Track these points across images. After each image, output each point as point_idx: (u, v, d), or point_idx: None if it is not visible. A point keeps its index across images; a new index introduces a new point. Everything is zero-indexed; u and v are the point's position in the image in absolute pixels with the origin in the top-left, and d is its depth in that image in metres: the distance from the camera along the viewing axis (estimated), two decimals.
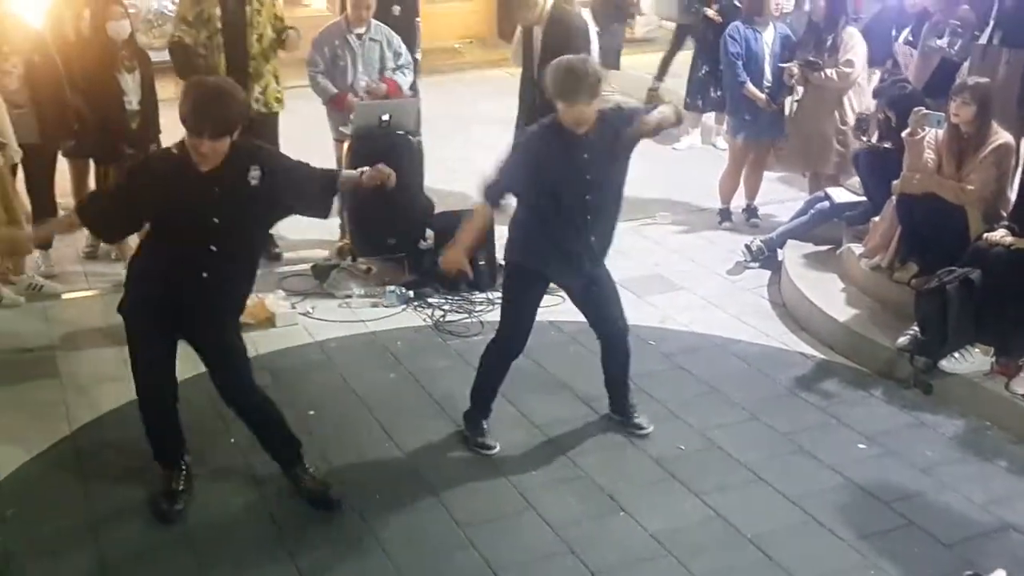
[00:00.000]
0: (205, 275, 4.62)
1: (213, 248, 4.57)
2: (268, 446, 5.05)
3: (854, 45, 8.09)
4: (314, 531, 4.82)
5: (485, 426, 5.56)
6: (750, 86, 8.23)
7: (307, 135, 8.05)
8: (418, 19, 8.74)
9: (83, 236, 8.18)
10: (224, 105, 4.41)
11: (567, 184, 5.08)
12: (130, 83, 7.10)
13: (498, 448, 5.47)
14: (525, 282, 5.39)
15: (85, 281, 7.72)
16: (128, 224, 4.98)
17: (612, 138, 5.09)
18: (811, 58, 8.14)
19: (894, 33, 8.59)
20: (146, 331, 4.82)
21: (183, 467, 5.06)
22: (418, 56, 8.73)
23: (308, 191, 4.79)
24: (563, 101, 4.98)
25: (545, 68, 7.05)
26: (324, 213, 4.99)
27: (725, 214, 8.76)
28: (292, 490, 5.01)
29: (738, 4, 9.33)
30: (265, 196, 4.60)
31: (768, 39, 8.34)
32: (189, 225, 4.54)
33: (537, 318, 6.98)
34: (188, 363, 5.05)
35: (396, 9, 8.30)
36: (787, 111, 8.54)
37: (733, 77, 8.34)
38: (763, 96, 8.23)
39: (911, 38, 8.27)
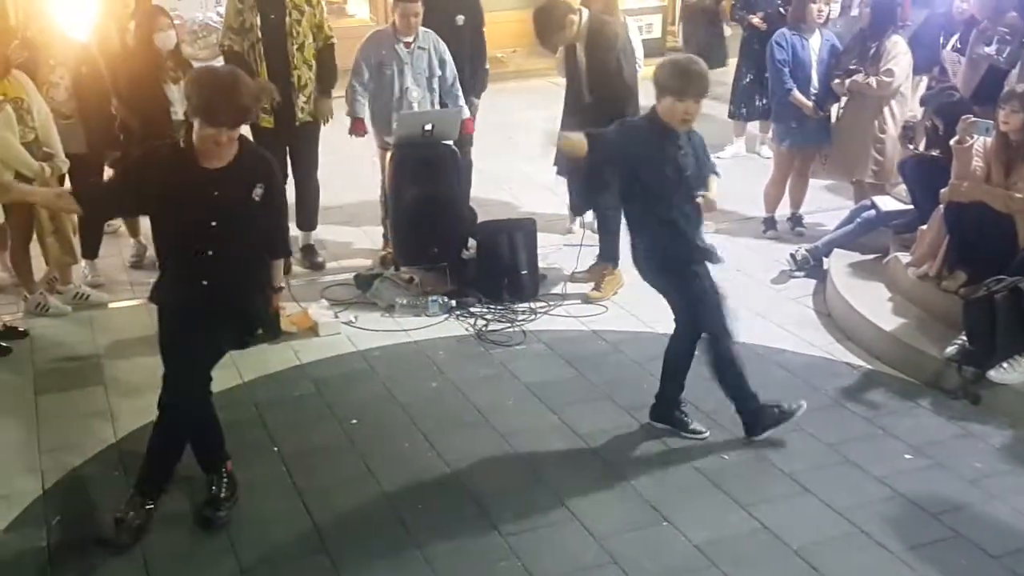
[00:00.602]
0: (205, 283, 4.64)
1: (210, 252, 4.58)
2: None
3: (897, 54, 8.03)
4: (356, 540, 4.84)
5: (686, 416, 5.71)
6: (797, 93, 8.19)
7: (352, 143, 8.11)
8: (483, 29, 8.77)
9: (129, 246, 8.31)
10: (240, 93, 4.37)
11: (670, 179, 5.25)
12: (175, 93, 7.18)
13: (708, 433, 5.64)
14: (690, 274, 5.49)
15: (130, 290, 7.79)
16: (116, 205, 5.21)
17: (700, 149, 5.44)
18: (852, 66, 8.12)
19: (941, 40, 8.54)
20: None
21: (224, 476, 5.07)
22: (487, 67, 8.77)
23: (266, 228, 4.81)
24: (679, 97, 5.17)
25: (596, 85, 7.12)
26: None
27: (770, 223, 8.72)
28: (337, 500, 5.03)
29: (783, 11, 9.31)
30: (261, 210, 4.67)
31: (815, 46, 8.30)
32: (187, 226, 4.56)
33: (580, 327, 7.05)
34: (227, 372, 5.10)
35: (460, 18, 8.33)
36: (833, 118, 8.49)
37: (780, 84, 8.30)
38: (809, 103, 8.19)
39: (959, 45, 8.21)
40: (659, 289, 5.66)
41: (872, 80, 8.00)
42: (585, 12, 7.17)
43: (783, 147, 8.57)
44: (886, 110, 8.14)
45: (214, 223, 4.53)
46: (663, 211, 5.30)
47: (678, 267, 5.44)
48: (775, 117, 8.75)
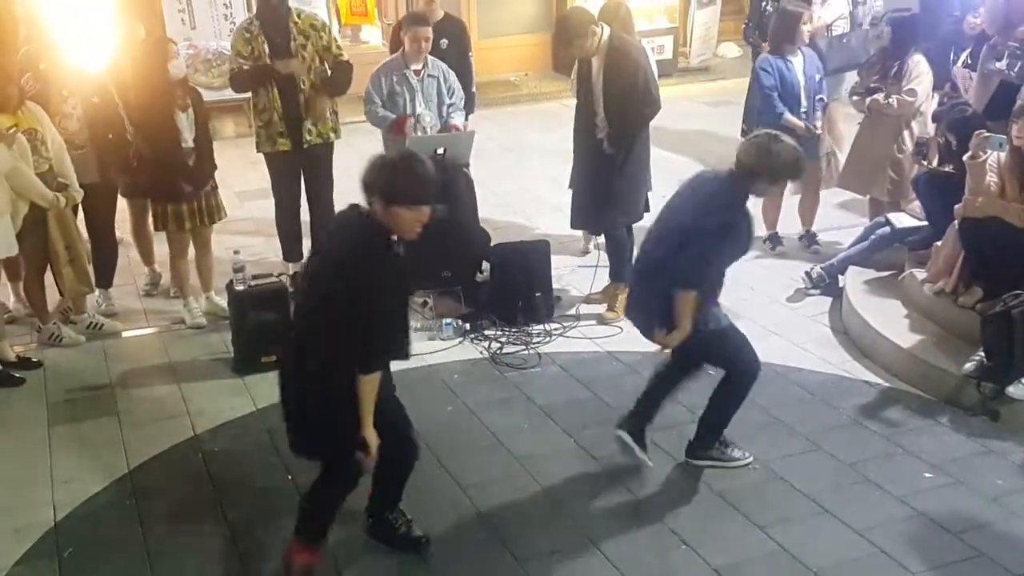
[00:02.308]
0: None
1: None
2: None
3: (919, 74, 8.00)
4: (372, 567, 4.80)
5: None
6: (789, 116, 8.10)
7: (360, 164, 8.09)
8: (471, 54, 8.83)
9: (143, 274, 8.31)
10: (432, 171, 4.44)
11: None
12: (184, 121, 7.19)
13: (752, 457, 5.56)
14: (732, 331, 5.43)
15: (145, 319, 7.80)
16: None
17: None
18: (874, 84, 8.09)
19: (952, 57, 8.50)
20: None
21: None
22: (474, 90, 8.80)
23: None
24: (773, 181, 5.19)
25: (611, 102, 7.08)
26: None
27: (775, 239, 8.68)
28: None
29: None
30: None
31: (799, 66, 8.25)
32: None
33: (595, 348, 7.02)
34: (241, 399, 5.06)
35: (444, 42, 8.39)
36: (817, 129, 8.44)
37: (771, 109, 8.23)
38: (802, 124, 8.14)
39: (969, 61, 8.17)
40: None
41: (893, 100, 7.97)
42: (607, 29, 7.12)
43: None
44: (905, 129, 8.11)
45: None
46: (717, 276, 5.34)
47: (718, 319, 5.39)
48: None
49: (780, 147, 5.07)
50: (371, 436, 4.32)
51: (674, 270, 5.03)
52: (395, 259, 4.37)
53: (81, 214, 7.55)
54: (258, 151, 7.83)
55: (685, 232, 5.04)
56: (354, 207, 4.41)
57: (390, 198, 4.24)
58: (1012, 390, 5.90)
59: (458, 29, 8.87)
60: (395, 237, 4.35)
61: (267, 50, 7.54)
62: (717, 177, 5.23)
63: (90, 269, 7.34)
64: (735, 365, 5.38)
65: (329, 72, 7.71)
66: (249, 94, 7.94)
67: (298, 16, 7.71)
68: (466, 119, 8.63)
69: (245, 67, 7.59)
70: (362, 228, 4.33)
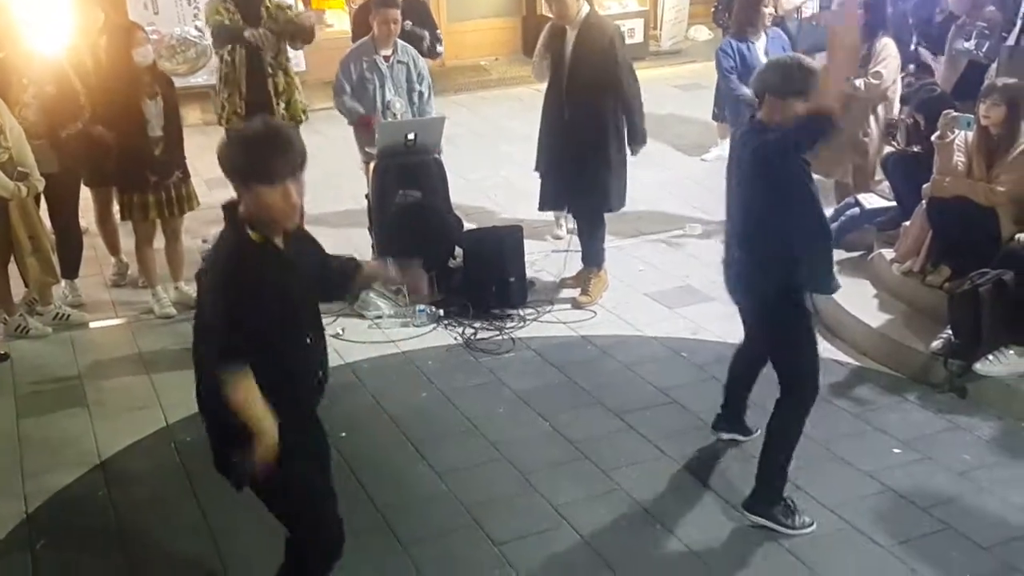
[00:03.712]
0: (321, 373, 3.93)
1: (309, 340, 3.85)
2: None
3: (886, 57, 8.10)
4: (348, 552, 4.83)
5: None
6: (747, 92, 8.20)
7: (335, 156, 8.15)
8: (438, 31, 9.02)
9: (110, 264, 8.31)
10: (291, 135, 3.63)
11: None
12: (152, 109, 7.16)
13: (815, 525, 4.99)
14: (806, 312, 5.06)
15: (112, 310, 7.82)
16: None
17: None
18: None
19: (914, 39, 8.60)
20: (315, 481, 4.02)
21: None
22: (440, 45, 9.02)
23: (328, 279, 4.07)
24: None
25: (578, 79, 7.11)
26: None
27: None
28: None
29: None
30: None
31: (761, 48, 8.35)
32: (300, 315, 3.76)
33: (569, 333, 7.10)
34: None
35: (408, 24, 8.43)
36: None
37: (730, 91, 8.35)
38: None
39: (925, 43, 8.32)
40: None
41: (861, 82, 8.09)
42: (587, 6, 7.17)
43: None
44: (871, 114, 8.23)
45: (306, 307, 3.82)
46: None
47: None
48: (731, 122, 8.78)
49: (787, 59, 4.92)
50: (262, 431, 3.51)
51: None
52: (244, 253, 3.54)
53: (45, 204, 7.54)
54: (220, 123, 7.97)
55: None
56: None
57: (245, 176, 3.49)
58: (979, 367, 6.00)
59: (423, 9, 9.08)
60: (250, 227, 3.56)
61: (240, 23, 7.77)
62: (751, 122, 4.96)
63: (55, 259, 7.31)
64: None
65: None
66: (216, 81, 8.10)
67: (268, 1, 7.91)
68: (438, 47, 8.96)
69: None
70: (225, 220, 3.64)
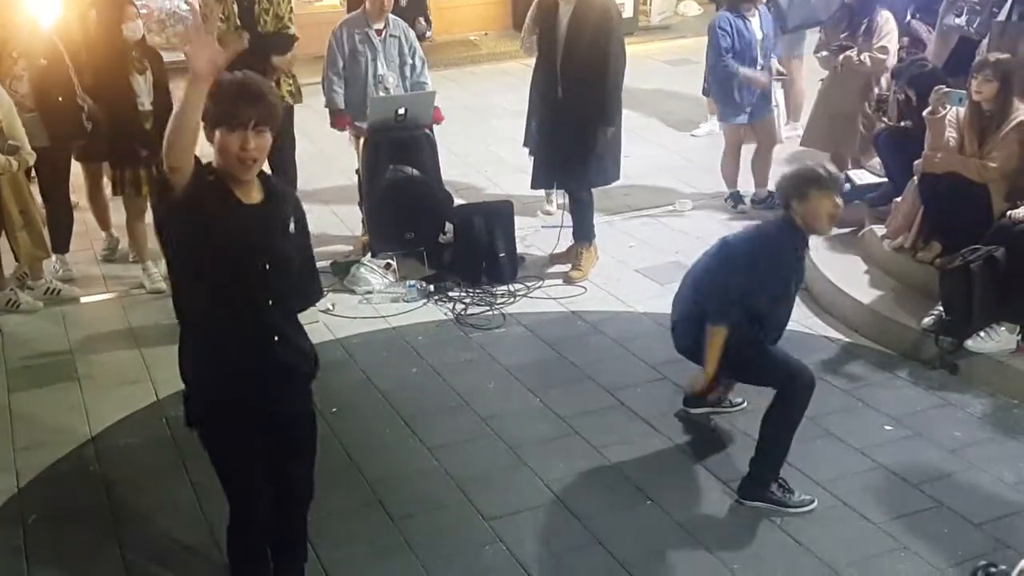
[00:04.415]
0: (276, 338, 3.77)
1: (270, 302, 3.72)
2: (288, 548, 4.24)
3: (889, 31, 8.09)
4: (339, 528, 4.83)
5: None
6: (746, 72, 8.18)
7: (325, 131, 8.09)
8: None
9: (100, 239, 8.27)
10: (264, 90, 3.60)
11: (795, 286, 5.09)
12: (142, 84, 7.13)
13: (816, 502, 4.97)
14: (762, 349, 5.06)
15: (103, 284, 7.78)
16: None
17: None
18: (843, 41, 8.17)
19: (910, 12, 8.56)
20: (238, 448, 3.87)
21: None
22: (429, 29, 8.91)
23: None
24: (827, 195, 4.83)
25: (573, 57, 7.03)
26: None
27: (736, 197, 8.73)
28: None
29: None
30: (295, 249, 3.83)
31: (756, 24, 8.31)
32: (238, 272, 3.62)
33: (559, 308, 7.07)
34: None
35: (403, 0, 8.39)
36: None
37: (724, 69, 8.28)
38: (764, 79, 8.23)
39: (918, 14, 8.28)
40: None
41: (866, 57, 8.05)
42: None
43: (734, 124, 8.57)
44: (876, 87, 8.18)
45: (267, 264, 3.66)
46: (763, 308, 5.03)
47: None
48: (720, 99, 8.70)
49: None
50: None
51: None
52: (195, 181, 3.43)
53: (36, 179, 7.49)
54: None
55: None
56: None
57: (211, 121, 3.48)
58: (970, 344, 5.98)
59: None
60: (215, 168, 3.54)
61: (236, 11, 7.60)
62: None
63: (46, 234, 7.29)
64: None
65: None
66: None
67: None
68: (427, 34, 8.90)
69: (227, 32, 7.50)
70: None
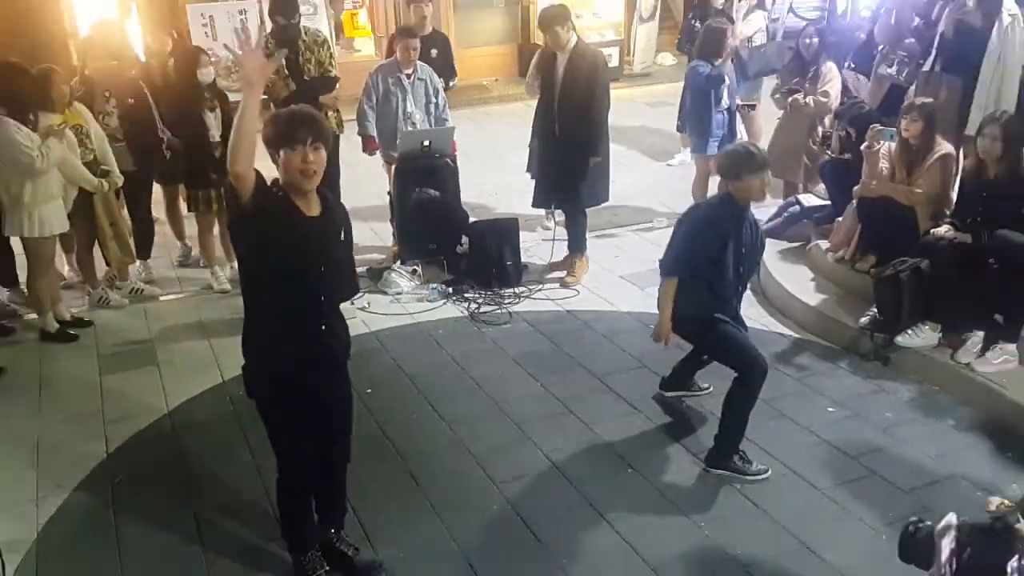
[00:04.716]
0: (324, 328, 3.76)
1: (322, 298, 3.73)
2: (329, 505, 4.26)
3: (832, 78, 8.04)
4: (373, 489, 4.80)
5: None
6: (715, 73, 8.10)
7: (363, 159, 8.08)
8: (454, 63, 8.86)
9: (176, 247, 8.26)
10: (315, 114, 3.65)
11: (735, 250, 4.87)
12: (212, 119, 7.13)
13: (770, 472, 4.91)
14: (718, 325, 4.93)
15: (178, 285, 7.76)
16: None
17: (756, 226, 5.04)
18: (794, 86, 8.14)
19: (847, 63, 8.53)
20: (288, 417, 3.85)
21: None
22: (453, 82, 8.82)
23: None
24: (755, 175, 4.73)
25: (568, 99, 7.00)
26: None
27: None
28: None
29: None
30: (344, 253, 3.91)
31: (726, 70, 8.22)
32: (299, 273, 3.61)
33: (557, 308, 7.03)
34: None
35: (434, 52, 8.37)
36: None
37: (707, 106, 8.04)
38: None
39: (853, 64, 8.24)
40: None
41: (810, 99, 8.02)
42: (575, 36, 7.04)
43: (703, 155, 8.30)
44: (819, 126, 8.14)
45: (322, 267, 3.67)
46: (712, 270, 4.89)
47: (701, 313, 4.96)
48: (696, 133, 8.41)
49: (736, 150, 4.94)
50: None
51: None
52: (269, 195, 3.49)
53: (123, 198, 7.47)
54: None
55: None
56: None
57: (274, 143, 3.53)
58: (900, 339, 5.95)
59: (445, 42, 8.82)
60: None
61: (284, 63, 7.55)
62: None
63: (131, 243, 7.28)
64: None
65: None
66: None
67: (305, 33, 7.73)
68: (450, 84, 8.63)
69: (277, 82, 7.54)
70: None
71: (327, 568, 4.15)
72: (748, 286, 5.40)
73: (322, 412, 3.92)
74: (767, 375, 4.91)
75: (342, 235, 3.79)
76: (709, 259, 4.82)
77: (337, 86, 7.87)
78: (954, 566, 1.84)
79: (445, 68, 8.52)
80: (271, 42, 7.57)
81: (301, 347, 3.71)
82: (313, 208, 3.63)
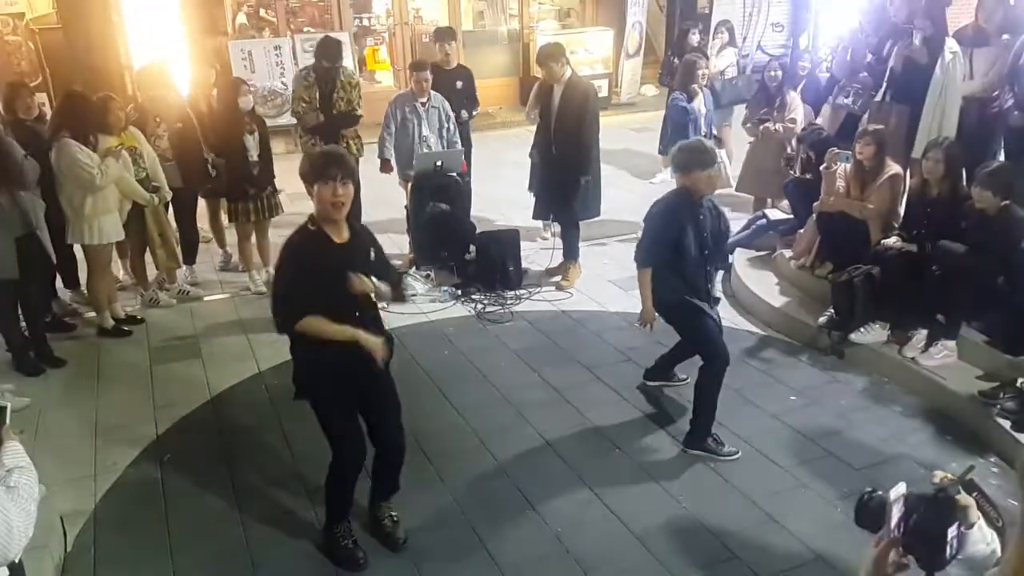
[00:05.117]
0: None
1: (357, 314, 3.80)
2: (384, 479, 4.33)
3: (796, 107, 8.09)
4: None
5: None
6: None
7: (382, 178, 8.10)
8: (475, 91, 8.90)
9: (218, 254, 8.27)
10: (345, 155, 3.81)
11: (696, 235, 4.81)
12: (251, 142, 7.14)
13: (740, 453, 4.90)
14: (693, 311, 4.91)
15: (220, 287, 7.76)
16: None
17: (718, 213, 4.94)
18: (763, 115, 8.17)
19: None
20: (336, 409, 3.96)
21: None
22: (475, 112, 8.91)
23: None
24: (703, 170, 4.69)
25: (562, 125, 7.03)
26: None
27: None
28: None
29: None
30: (381, 271, 3.93)
31: (700, 102, 8.22)
32: (334, 294, 3.66)
33: (553, 308, 7.03)
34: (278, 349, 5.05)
35: (459, 83, 8.40)
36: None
37: (688, 133, 8.06)
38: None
39: (805, 96, 8.32)
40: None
41: (779, 126, 8.05)
42: (569, 69, 7.07)
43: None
44: (788, 148, 8.14)
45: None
46: (677, 259, 4.85)
47: (679, 299, 4.93)
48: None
49: (687, 144, 4.91)
50: (362, 337, 3.66)
51: None
52: (305, 235, 3.67)
53: (171, 210, 7.50)
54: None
55: None
56: None
57: (311, 177, 3.66)
58: (853, 336, 5.96)
59: (469, 75, 8.85)
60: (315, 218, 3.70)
61: (317, 97, 7.58)
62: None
63: (178, 250, 7.29)
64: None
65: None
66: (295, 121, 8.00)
67: (343, 74, 7.76)
68: (473, 114, 8.72)
69: (305, 107, 7.64)
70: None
71: (355, 539, 4.18)
72: (721, 272, 5.24)
73: (370, 391, 3.99)
74: (730, 365, 4.93)
75: (372, 254, 3.87)
76: (671, 247, 4.80)
77: (359, 123, 7.88)
78: (902, 529, 1.88)
79: (469, 99, 8.55)
80: (311, 75, 7.63)
81: (342, 353, 3.75)
82: (342, 235, 3.75)
